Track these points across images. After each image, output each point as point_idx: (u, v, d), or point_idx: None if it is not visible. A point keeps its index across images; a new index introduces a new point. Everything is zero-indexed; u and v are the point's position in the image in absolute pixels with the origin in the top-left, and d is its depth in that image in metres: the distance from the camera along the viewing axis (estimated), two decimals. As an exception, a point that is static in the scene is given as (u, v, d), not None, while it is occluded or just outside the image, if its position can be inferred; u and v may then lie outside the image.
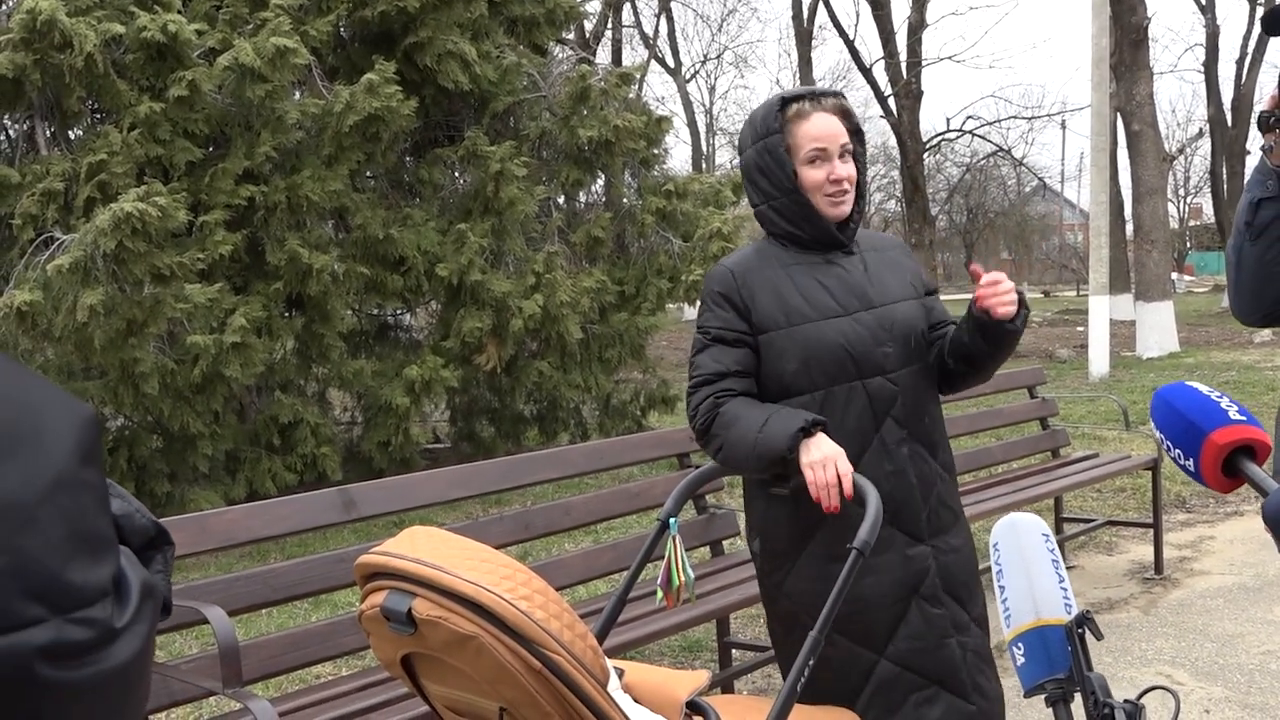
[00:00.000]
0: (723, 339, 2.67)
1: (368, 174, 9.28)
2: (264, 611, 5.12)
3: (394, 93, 8.22)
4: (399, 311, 10.27)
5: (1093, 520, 6.65)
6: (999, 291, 2.58)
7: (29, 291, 6.55)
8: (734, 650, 4.65)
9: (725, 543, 4.81)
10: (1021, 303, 2.63)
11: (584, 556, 4.35)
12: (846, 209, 2.70)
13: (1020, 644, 1.64)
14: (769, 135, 2.69)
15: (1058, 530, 6.50)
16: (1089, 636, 1.61)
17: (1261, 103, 2.29)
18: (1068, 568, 6.31)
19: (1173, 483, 7.98)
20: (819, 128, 2.65)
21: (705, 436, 2.65)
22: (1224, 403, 1.64)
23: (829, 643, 2.62)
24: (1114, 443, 9.23)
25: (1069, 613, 1.63)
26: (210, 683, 2.93)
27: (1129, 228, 25.96)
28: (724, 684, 4.51)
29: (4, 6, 8.34)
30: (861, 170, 2.73)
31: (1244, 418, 1.63)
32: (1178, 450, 1.62)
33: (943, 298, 3.06)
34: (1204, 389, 1.65)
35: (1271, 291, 2.34)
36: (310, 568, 3.54)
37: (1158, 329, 17.41)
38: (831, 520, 2.57)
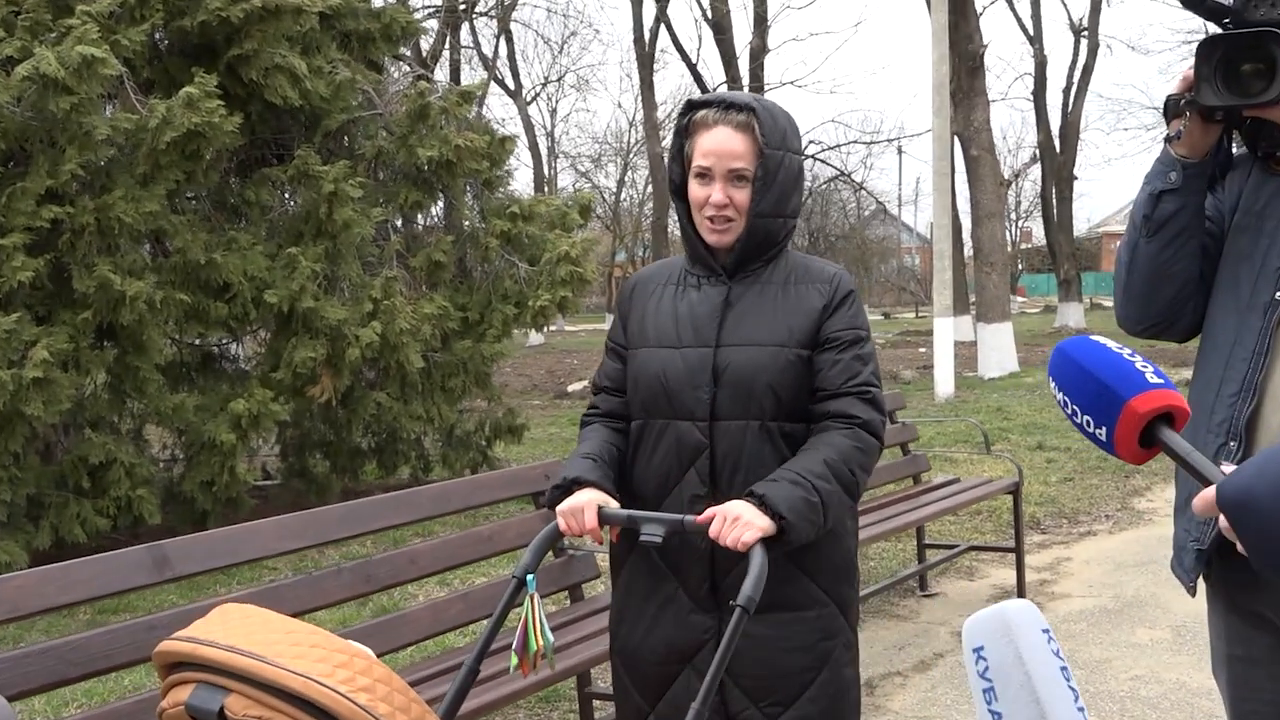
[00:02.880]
0: (609, 349, 2.67)
1: (188, 194, 8.67)
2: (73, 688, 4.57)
3: (216, 107, 7.67)
4: (224, 341, 9.64)
5: (955, 546, 6.56)
6: (723, 534, 2.26)
7: None
8: (595, 701, 4.32)
9: (585, 587, 4.47)
10: (778, 515, 2.25)
11: (431, 609, 3.96)
12: (725, 238, 2.47)
13: None
14: (674, 138, 2.55)
15: (920, 558, 6.37)
16: None
17: (1171, 84, 2.09)
18: (930, 595, 6.22)
19: (1027, 504, 7.99)
20: (710, 143, 2.45)
21: None
22: (1138, 363, 1.45)
23: (616, 676, 2.62)
24: (966, 464, 9.26)
25: None
26: (-19, 791, 2.44)
27: (966, 251, 26.76)
28: (586, 740, 4.18)
29: None
30: (764, 194, 2.44)
31: (1162, 380, 1.45)
32: (1087, 417, 1.44)
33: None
34: (1113, 345, 1.46)
35: (1164, 295, 2.13)
36: (116, 637, 3.06)
37: (998, 349, 17.83)
38: (632, 565, 2.56)
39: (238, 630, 1.83)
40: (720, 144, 2.44)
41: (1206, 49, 1.97)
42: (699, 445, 2.45)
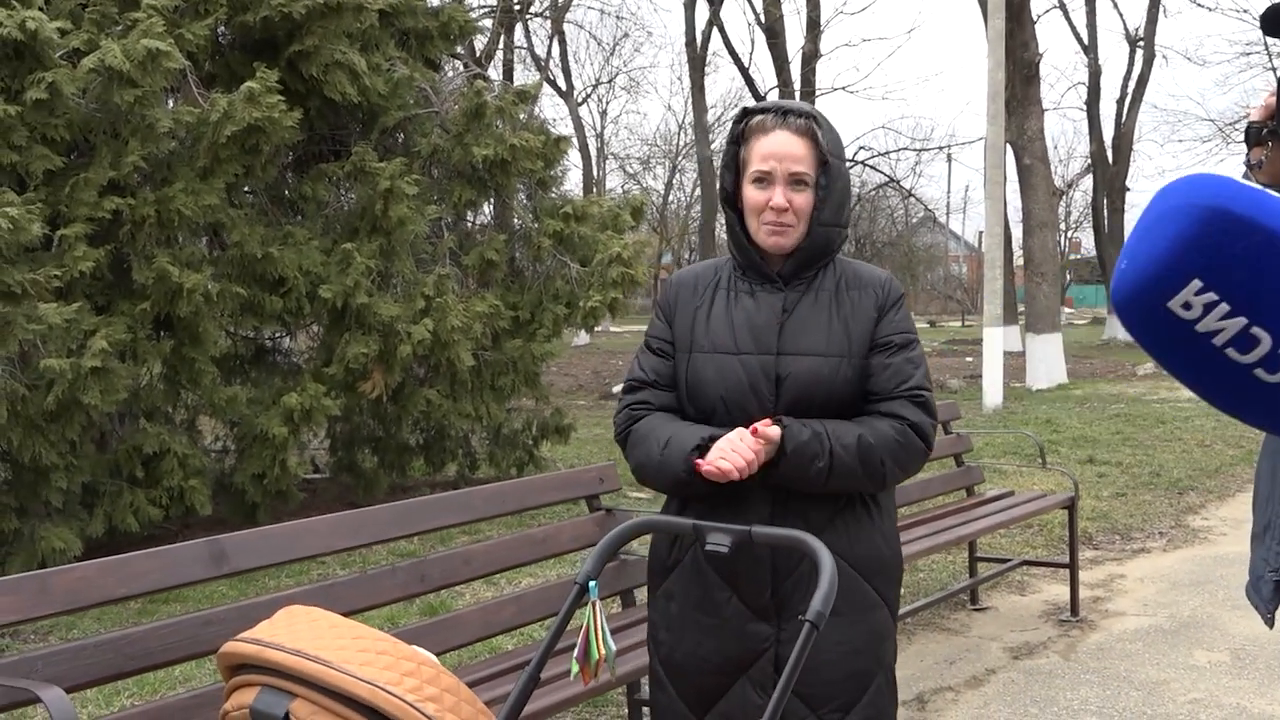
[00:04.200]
0: (650, 346, 2.61)
1: (246, 188, 8.72)
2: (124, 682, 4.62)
3: (276, 103, 7.71)
4: (278, 335, 9.69)
5: (1008, 560, 6.46)
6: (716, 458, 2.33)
7: None
8: (645, 708, 4.28)
9: (637, 592, 4.44)
10: (780, 449, 2.35)
11: (483, 611, 3.95)
12: (786, 242, 2.46)
13: None
14: (728, 145, 2.51)
15: (971, 572, 6.28)
16: None
17: (1250, 113, 2.03)
18: (981, 609, 6.13)
19: (1079, 518, 7.89)
20: (770, 146, 2.45)
21: (624, 449, 2.59)
22: None
23: (659, 687, 2.55)
24: (1017, 476, 9.14)
25: None
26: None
27: (1015, 260, 26.45)
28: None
29: None
30: (826, 201, 2.46)
31: None
32: None
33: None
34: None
35: None
36: (173, 632, 3.07)
37: (1047, 360, 17.64)
38: (681, 573, 2.52)
39: (304, 634, 1.81)
40: (781, 147, 2.43)
41: None
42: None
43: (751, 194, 2.46)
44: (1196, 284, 0.67)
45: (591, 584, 2.36)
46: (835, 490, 2.41)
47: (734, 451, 2.33)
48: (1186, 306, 0.68)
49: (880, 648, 2.47)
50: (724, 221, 2.58)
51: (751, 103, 2.73)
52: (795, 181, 2.43)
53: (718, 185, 2.58)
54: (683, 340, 2.54)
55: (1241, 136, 2.08)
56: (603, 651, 2.39)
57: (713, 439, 2.38)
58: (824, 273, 2.52)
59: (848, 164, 2.54)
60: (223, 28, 8.69)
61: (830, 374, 2.42)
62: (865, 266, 2.59)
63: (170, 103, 8.10)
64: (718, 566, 2.44)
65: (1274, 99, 1.94)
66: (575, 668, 2.40)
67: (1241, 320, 0.67)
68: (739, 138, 2.50)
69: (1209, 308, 0.68)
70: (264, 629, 1.87)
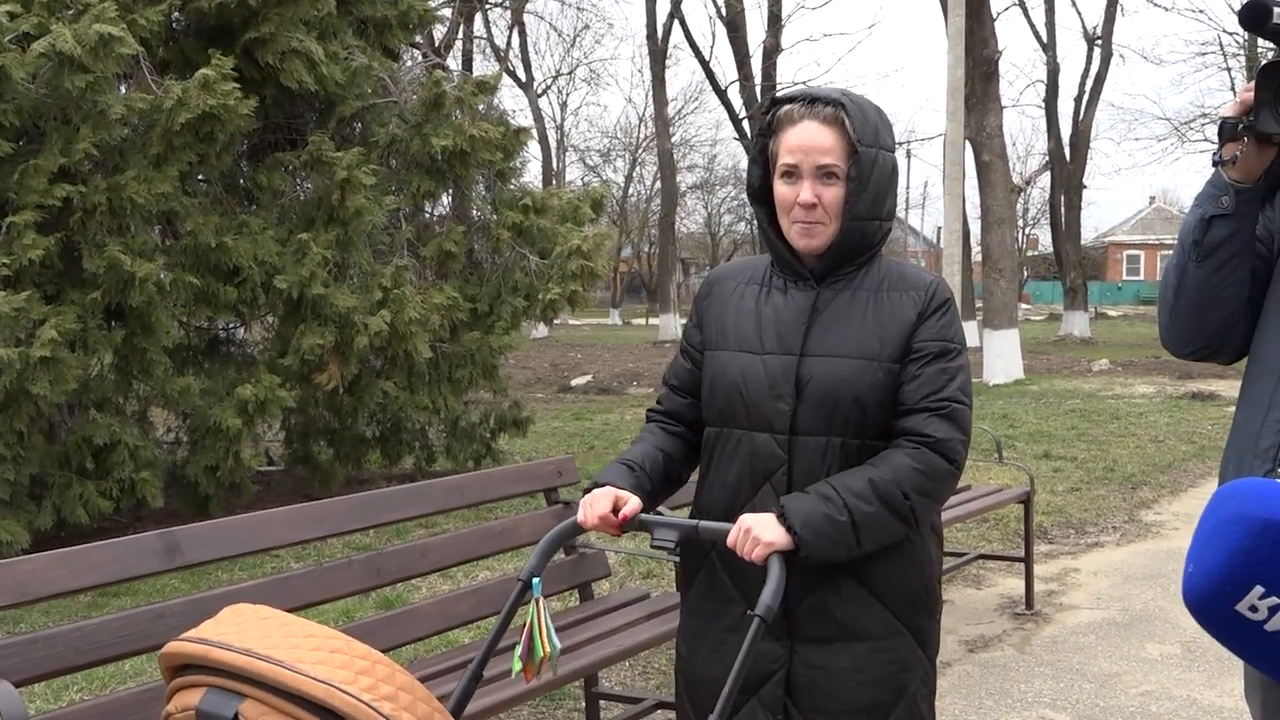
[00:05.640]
0: (682, 348, 2.56)
1: (200, 177, 8.60)
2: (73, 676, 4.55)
3: (231, 90, 7.61)
4: (232, 325, 9.58)
5: (964, 554, 6.49)
6: (738, 547, 2.23)
7: None
8: (602, 701, 4.27)
9: (594, 586, 4.43)
10: (791, 529, 2.18)
11: (440, 605, 3.93)
12: (817, 243, 2.31)
13: None
14: (756, 138, 2.40)
15: (928, 565, 6.31)
16: None
17: (1224, 107, 2.03)
18: (937, 603, 6.16)
19: (1034, 512, 7.94)
20: (797, 138, 2.29)
21: None
22: None
23: (679, 696, 2.51)
24: (972, 470, 9.17)
25: None
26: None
27: (973, 255, 26.63)
28: (591, 741, 4.14)
29: None
30: (859, 194, 2.29)
31: None
32: None
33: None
34: None
35: (1213, 319, 2.08)
36: (125, 625, 3.02)
37: (1004, 356, 17.77)
38: (699, 583, 2.45)
39: (253, 632, 1.77)
40: (807, 139, 2.28)
41: (1267, 74, 1.92)
42: (776, 460, 2.30)
43: (780, 190, 2.33)
44: (1259, 590, 0.71)
45: (535, 581, 2.32)
46: (875, 546, 2.24)
47: (589, 504, 2.36)
48: (1253, 609, 0.71)
49: (901, 678, 2.31)
50: (755, 219, 2.49)
51: (775, 94, 2.62)
52: (825, 175, 2.28)
53: (746, 180, 2.47)
54: (711, 338, 2.44)
55: (1196, 135, 2.08)
56: (547, 649, 2.34)
57: (601, 485, 2.39)
58: (865, 271, 2.37)
59: (892, 150, 2.36)
60: (177, 13, 8.56)
61: (856, 377, 2.27)
62: (912, 268, 2.43)
63: (123, 89, 7.97)
64: (733, 580, 2.37)
65: (1250, 94, 1.94)
66: (518, 665, 2.34)
67: None
68: (767, 129, 2.36)
69: (1274, 610, 0.70)
70: (209, 628, 1.83)
